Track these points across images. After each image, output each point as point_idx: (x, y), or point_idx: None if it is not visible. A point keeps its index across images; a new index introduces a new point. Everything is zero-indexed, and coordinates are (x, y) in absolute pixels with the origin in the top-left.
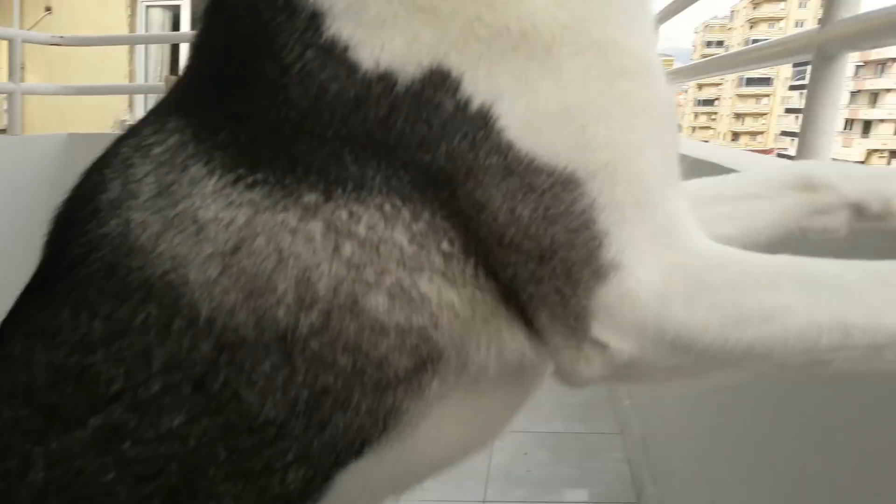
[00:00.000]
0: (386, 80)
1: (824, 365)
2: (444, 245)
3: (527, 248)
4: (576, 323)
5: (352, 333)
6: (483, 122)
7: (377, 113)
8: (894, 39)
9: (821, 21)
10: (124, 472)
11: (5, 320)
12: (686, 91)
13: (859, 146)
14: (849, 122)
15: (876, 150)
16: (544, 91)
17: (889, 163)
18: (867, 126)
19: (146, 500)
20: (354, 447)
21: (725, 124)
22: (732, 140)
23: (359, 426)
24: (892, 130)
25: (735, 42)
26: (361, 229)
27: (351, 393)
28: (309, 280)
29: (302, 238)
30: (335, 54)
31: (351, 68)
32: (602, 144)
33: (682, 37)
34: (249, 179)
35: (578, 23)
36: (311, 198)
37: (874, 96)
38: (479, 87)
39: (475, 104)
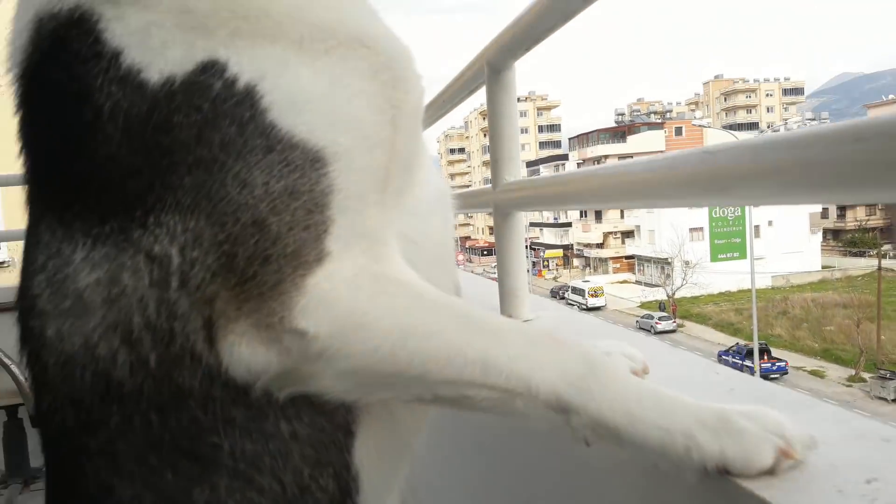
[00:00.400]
0: (168, 83)
1: (470, 401)
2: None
3: (270, 224)
4: (283, 303)
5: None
6: (250, 101)
7: (161, 115)
8: (548, 206)
9: (492, 182)
10: None
11: None
12: None
13: (597, 230)
14: (583, 212)
15: (610, 232)
16: (302, 76)
17: (623, 241)
18: (599, 214)
19: None
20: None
21: None
22: None
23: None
24: (618, 215)
25: (473, 148)
26: (157, 250)
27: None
28: (145, 307)
29: (134, 272)
30: (131, 80)
31: (143, 86)
32: (348, 129)
33: (430, 145)
34: (104, 232)
35: (325, 22)
36: (138, 233)
37: None
38: (243, 67)
39: (241, 82)
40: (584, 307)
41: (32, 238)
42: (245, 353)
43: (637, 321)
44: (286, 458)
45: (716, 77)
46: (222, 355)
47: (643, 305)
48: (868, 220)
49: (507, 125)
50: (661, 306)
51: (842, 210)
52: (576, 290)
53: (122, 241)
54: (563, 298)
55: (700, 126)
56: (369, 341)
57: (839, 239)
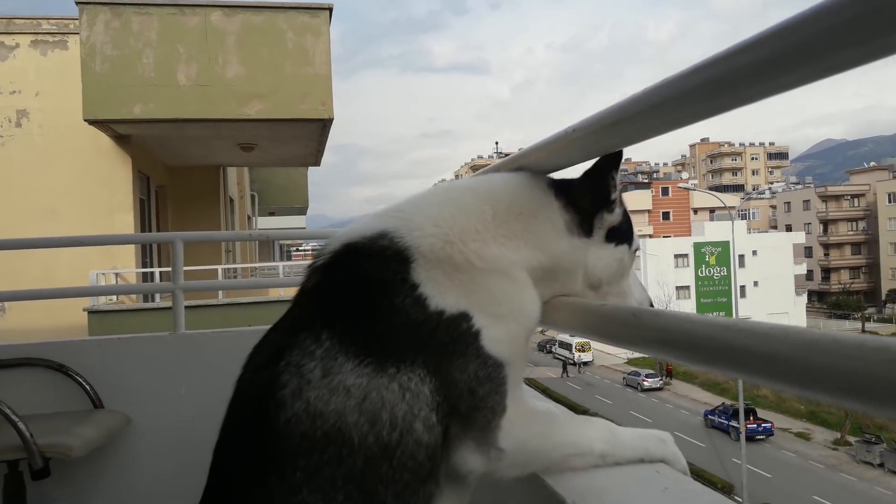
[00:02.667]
0: (439, 313)
1: (571, 467)
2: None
3: (477, 392)
4: (489, 433)
5: (413, 445)
6: (475, 336)
7: (430, 325)
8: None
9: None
10: None
11: (215, 500)
12: None
13: None
14: None
15: None
16: (499, 331)
17: None
18: None
19: None
20: None
21: None
22: None
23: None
24: None
25: None
26: (413, 385)
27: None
28: (393, 413)
29: (389, 391)
30: (419, 300)
31: (424, 307)
32: (512, 354)
33: None
34: (366, 361)
35: (510, 307)
36: (392, 370)
37: None
38: (478, 321)
39: (475, 328)
40: (572, 362)
41: (294, 340)
42: (468, 459)
43: (624, 378)
44: None
45: (702, 140)
46: (452, 457)
47: (630, 362)
48: (852, 283)
49: None
50: (661, 368)
51: (826, 273)
52: (563, 345)
53: (378, 370)
54: (550, 352)
55: (685, 188)
56: (528, 451)
57: (824, 301)
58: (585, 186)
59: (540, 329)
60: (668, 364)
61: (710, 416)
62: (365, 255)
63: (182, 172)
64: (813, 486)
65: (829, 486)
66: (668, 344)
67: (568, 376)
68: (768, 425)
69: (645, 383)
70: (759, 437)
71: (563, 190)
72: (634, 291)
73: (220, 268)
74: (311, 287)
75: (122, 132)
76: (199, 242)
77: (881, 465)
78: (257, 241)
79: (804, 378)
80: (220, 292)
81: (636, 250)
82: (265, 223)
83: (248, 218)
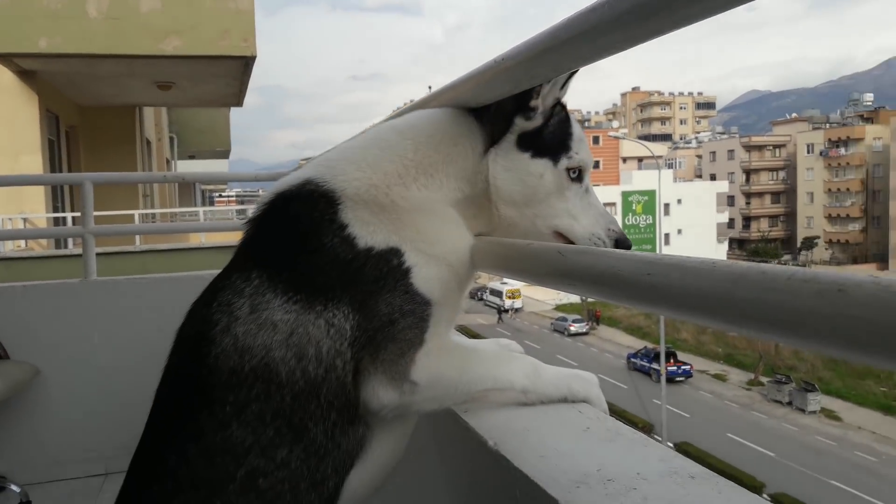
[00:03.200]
0: (368, 249)
1: (485, 397)
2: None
3: (398, 323)
4: (404, 366)
5: (343, 373)
6: (406, 273)
7: (357, 262)
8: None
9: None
10: (262, 501)
11: (150, 433)
12: None
13: None
14: None
15: None
16: (431, 269)
17: None
18: None
19: None
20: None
21: None
22: None
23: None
24: None
25: None
26: (337, 321)
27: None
28: (319, 348)
29: (316, 327)
30: (347, 240)
31: (353, 245)
32: (442, 294)
33: None
34: (295, 297)
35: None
36: (319, 307)
37: None
38: (409, 258)
39: (406, 265)
40: (503, 308)
41: (227, 282)
42: (380, 393)
43: (552, 323)
44: (328, 457)
45: (633, 89)
46: (361, 392)
47: (558, 308)
48: (771, 231)
49: None
50: (590, 314)
51: (747, 221)
52: (494, 292)
53: (307, 307)
54: (481, 300)
55: (616, 137)
56: (445, 385)
57: (744, 248)
58: (512, 96)
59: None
60: (596, 310)
61: (632, 359)
62: (294, 200)
63: (95, 112)
64: (727, 425)
65: (742, 423)
66: (596, 282)
67: (503, 321)
68: (687, 367)
69: (572, 328)
70: (678, 378)
71: (486, 109)
72: (581, 216)
73: (136, 213)
74: (246, 237)
75: (27, 67)
76: (114, 186)
77: (790, 404)
78: (173, 182)
79: (731, 312)
80: (138, 239)
81: (572, 171)
82: (185, 167)
83: (167, 161)
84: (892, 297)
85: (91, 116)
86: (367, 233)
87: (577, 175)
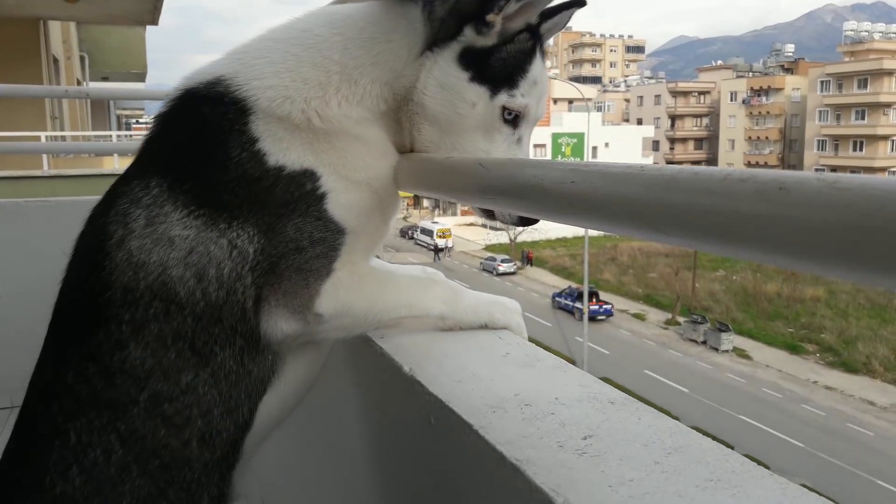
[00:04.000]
0: (279, 168)
1: (401, 322)
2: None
3: (306, 250)
4: (308, 297)
5: (243, 299)
6: (321, 198)
7: (267, 181)
8: None
9: None
10: (170, 426)
11: (47, 351)
12: None
13: None
14: None
15: None
16: (351, 195)
17: None
18: None
19: (187, 444)
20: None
21: None
22: None
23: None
24: None
25: None
26: (241, 242)
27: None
28: (220, 269)
29: (218, 246)
30: (257, 155)
31: (262, 162)
32: (359, 222)
33: None
34: (197, 213)
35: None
36: (223, 226)
37: None
38: (326, 182)
39: (321, 189)
40: (433, 248)
41: (126, 188)
42: (282, 324)
43: (481, 263)
44: (240, 383)
45: (565, 28)
46: (262, 322)
47: (488, 248)
48: (695, 153)
49: None
50: (523, 255)
51: (672, 144)
52: (425, 231)
53: (209, 224)
54: (412, 238)
55: (549, 78)
56: (354, 315)
57: None
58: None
59: (402, 215)
60: (528, 251)
61: (557, 298)
62: (203, 101)
63: None
64: (644, 362)
65: (658, 361)
66: (518, 194)
67: (439, 259)
68: (609, 307)
69: (500, 268)
70: (600, 317)
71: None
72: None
73: (43, 134)
74: (149, 136)
75: None
76: (19, 106)
77: (704, 343)
78: (78, 98)
79: (663, 220)
80: (46, 163)
81: (507, 112)
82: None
83: (78, 82)
84: (838, 193)
85: None
86: (279, 150)
87: (512, 118)
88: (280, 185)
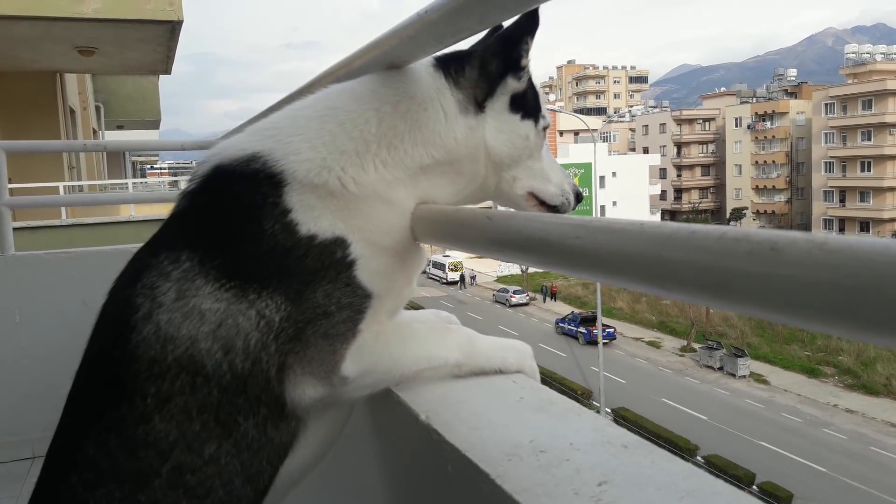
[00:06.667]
0: (311, 237)
1: (420, 377)
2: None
3: (333, 315)
4: (335, 362)
5: (267, 367)
6: (350, 265)
7: (299, 251)
8: None
9: None
10: (191, 497)
11: (68, 426)
12: None
13: None
14: None
15: None
16: (378, 262)
17: None
18: None
19: None
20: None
21: None
22: None
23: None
24: None
25: None
26: (268, 312)
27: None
28: (247, 341)
29: (246, 318)
30: (289, 226)
31: (294, 232)
32: (384, 287)
33: None
34: (227, 285)
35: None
36: (252, 297)
37: None
38: (355, 249)
39: (350, 257)
40: (444, 281)
41: (154, 260)
42: (308, 390)
43: (494, 294)
44: (262, 451)
45: (568, 62)
46: (286, 388)
47: (500, 279)
48: (701, 202)
49: None
50: (543, 290)
51: (679, 193)
52: (437, 265)
53: (239, 296)
54: (424, 272)
55: (553, 111)
56: (378, 373)
57: (675, 219)
58: (497, 46)
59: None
60: (553, 285)
61: (560, 324)
62: (236, 178)
63: (11, 78)
64: (662, 391)
65: (676, 389)
66: (524, 247)
67: (465, 288)
68: (611, 330)
69: (513, 299)
70: (603, 341)
71: (452, 64)
72: (552, 175)
73: (61, 185)
74: (179, 211)
75: None
76: (38, 158)
77: (721, 369)
78: (94, 151)
79: (661, 275)
80: (64, 213)
81: (545, 129)
82: (114, 138)
83: (94, 132)
84: (826, 255)
85: (6, 82)
86: (311, 218)
87: (543, 132)
88: (312, 254)
